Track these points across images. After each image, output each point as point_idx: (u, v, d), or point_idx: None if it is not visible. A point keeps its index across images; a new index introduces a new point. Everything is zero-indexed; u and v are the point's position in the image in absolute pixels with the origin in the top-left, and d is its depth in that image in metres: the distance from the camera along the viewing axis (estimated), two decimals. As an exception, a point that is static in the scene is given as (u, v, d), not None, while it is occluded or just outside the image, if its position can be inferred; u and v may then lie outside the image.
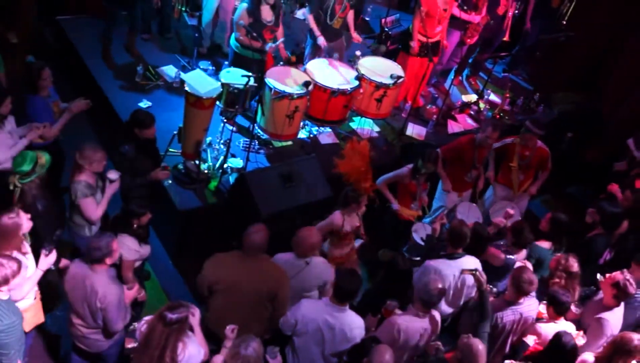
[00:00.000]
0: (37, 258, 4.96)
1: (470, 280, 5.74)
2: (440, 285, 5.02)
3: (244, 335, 4.36)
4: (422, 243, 6.57)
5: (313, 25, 8.03)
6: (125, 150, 5.94)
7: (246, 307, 5.04)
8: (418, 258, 6.48)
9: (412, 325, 5.04)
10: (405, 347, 5.07)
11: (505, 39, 9.22)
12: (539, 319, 5.59)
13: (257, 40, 7.25)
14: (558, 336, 5.05)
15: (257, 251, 5.05)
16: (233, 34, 7.57)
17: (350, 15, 8.28)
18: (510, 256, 5.98)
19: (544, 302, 5.65)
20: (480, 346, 4.63)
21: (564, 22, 8.96)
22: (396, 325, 4.99)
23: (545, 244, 6.30)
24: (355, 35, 8.38)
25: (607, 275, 5.66)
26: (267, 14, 7.38)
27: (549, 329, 5.36)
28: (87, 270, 4.82)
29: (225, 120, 7.10)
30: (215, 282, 5.07)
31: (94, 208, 5.60)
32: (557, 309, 5.42)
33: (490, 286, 5.62)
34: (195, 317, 4.52)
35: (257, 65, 7.40)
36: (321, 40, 8.03)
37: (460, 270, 5.59)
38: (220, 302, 5.11)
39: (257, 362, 4.24)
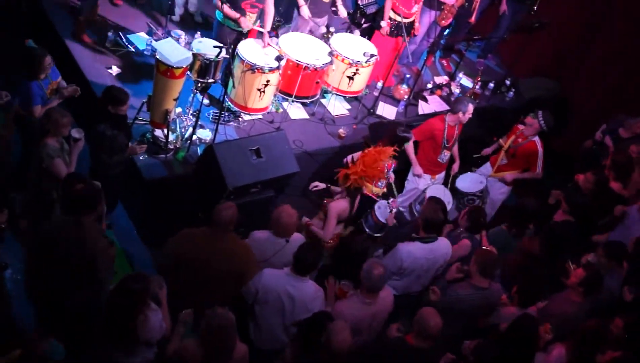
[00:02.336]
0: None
1: (440, 261, 5.81)
2: (381, 270, 5.01)
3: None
4: (384, 221, 6.62)
5: None
6: (102, 130, 5.90)
7: (211, 285, 5.03)
8: (378, 235, 6.54)
9: (359, 313, 5.06)
10: (356, 333, 5.08)
11: (471, 20, 9.20)
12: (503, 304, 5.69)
13: (235, 11, 7.14)
14: (522, 318, 5.10)
15: (226, 228, 5.03)
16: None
17: None
18: (472, 240, 6.04)
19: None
20: (436, 319, 4.66)
21: (535, 9, 8.97)
22: (340, 313, 4.96)
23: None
24: (341, 9, 8.28)
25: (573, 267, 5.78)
26: None
27: (510, 313, 5.42)
28: None
29: (196, 90, 7.03)
30: (180, 257, 5.03)
31: (64, 169, 5.60)
32: (524, 301, 5.49)
33: (462, 264, 5.66)
34: (162, 290, 4.53)
35: (239, 36, 7.32)
36: (304, 11, 7.95)
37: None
38: (183, 279, 5.06)
39: (230, 324, 4.26)
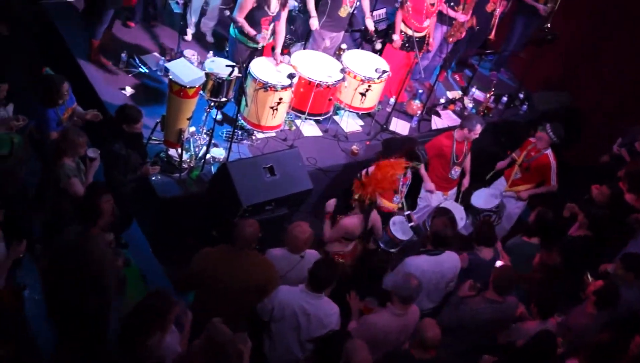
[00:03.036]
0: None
1: (449, 275, 5.78)
2: (416, 281, 5.06)
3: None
4: (401, 237, 6.61)
5: (310, 5, 7.94)
6: (116, 149, 5.94)
7: (233, 302, 5.04)
8: (393, 251, 6.52)
9: (391, 324, 5.08)
10: (382, 346, 5.09)
11: (490, 37, 9.23)
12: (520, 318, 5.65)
13: (253, 28, 7.19)
14: (541, 334, 5.07)
15: (248, 245, 5.05)
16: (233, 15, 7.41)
17: (366, 1, 8.27)
18: (472, 255, 6.02)
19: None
20: (434, 330, 4.68)
21: (549, 25, 8.97)
22: (374, 326, 5.03)
23: (533, 240, 6.36)
24: (368, 22, 8.30)
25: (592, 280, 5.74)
26: (273, 4, 7.26)
27: (530, 328, 5.39)
28: None
29: (209, 110, 7.07)
30: (203, 276, 5.05)
31: (81, 188, 5.64)
32: (543, 312, 5.45)
33: (475, 282, 5.64)
34: (187, 315, 4.56)
35: (253, 54, 7.36)
36: (313, 22, 7.96)
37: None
38: (207, 297, 5.10)
39: (234, 342, 4.25)
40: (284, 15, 7.48)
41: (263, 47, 7.52)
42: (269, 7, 7.21)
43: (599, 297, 5.49)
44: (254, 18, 7.20)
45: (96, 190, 5.17)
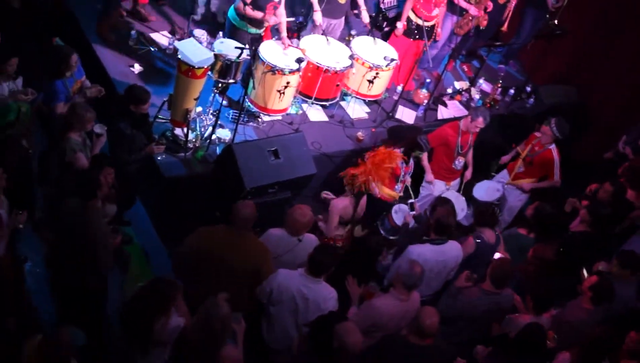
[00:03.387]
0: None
1: (450, 263, 5.83)
2: (420, 268, 5.12)
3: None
4: (400, 225, 6.66)
5: None
6: (122, 128, 5.99)
7: (227, 281, 5.07)
8: (393, 238, 6.57)
9: (394, 309, 5.14)
10: (382, 329, 5.15)
11: (503, 29, 9.20)
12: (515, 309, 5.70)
13: (260, 11, 7.19)
14: (531, 326, 5.12)
15: (244, 226, 5.11)
16: (232, 5, 7.46)
17: None
18: (479, 239, 6.06)
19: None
20: (432, 319, 4.76)
21: (556, 21, 8.95)
22: (378, 310, 5.10)
23: (526, 232, 6.44)
24: (364, 14, 8.29)
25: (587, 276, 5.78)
26: None
27: (523, 321, 5.42)
28: None
29: (216, 91, 7.10)
30: (198, 254, 5.11)
31: (85, 163, 5.72)
32: (538, 307, 5.50)
33: (471, 272, 5.69)
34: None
35: (253, 39, 7.33)
36: (317, 17, 7.99)
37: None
38: (203, 276, 5.15)
39: (228, 319, 4.34)
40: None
41: (263, 34, 7.52)
42: None
43: (594, 293, 5.54)
44: (258, 4, 7.20)
45: (98, 162, 5.23)
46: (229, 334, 4.44)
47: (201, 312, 4.35)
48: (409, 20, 8.37)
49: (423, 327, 4.75)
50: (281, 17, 7.51)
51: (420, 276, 5.11)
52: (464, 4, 8.62)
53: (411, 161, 7.17)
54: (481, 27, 8.89)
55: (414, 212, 6.72)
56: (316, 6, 7.97)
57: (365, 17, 8.33)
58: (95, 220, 5.02)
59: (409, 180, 7.30)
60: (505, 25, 9.14)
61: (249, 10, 7.19)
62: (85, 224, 4.97)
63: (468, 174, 7.80)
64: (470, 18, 8.71)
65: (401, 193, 7.20)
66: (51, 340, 4.14)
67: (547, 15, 9.17)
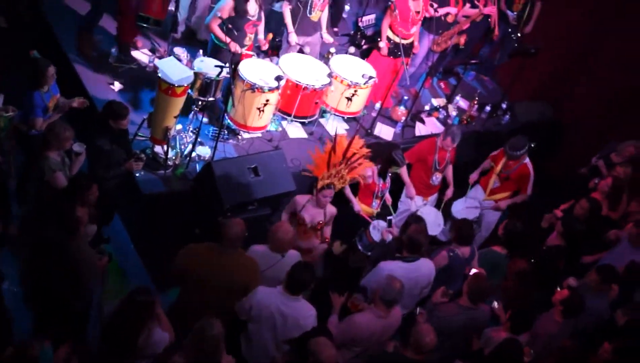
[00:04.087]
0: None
1: (423, 281, 5.90)
2: (399, 284, 5.19)
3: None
4: (378, 241, 6.74)
5: (287, 19, 8.07)
6: (100, 144, 6.01)
7: (217, 299, 5.12)
8: (370, 254, 6.64)
9: (373, 326, 5.21)
10: (362, 344, 5.23)
11: (494, 36, 9.32)
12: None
13: (231, 36, 7.27)
14: (508, 342, 5.21)
15: (233, 244, 5.14)
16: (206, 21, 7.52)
17: (325, 14, 8.31)
18: (452, 253, 6.15)
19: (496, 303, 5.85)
20: (431, 335, 4.83)
21: (519, 35, 9.12)
22: (359, 326, 5.16)
23: (501, 250, 6.51)
24: (325, 36, 8.43)
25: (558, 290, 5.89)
26: (251, 7, 7.37)
27: (500, 338, 5.50)
28: None
29: (196, 109, 7.15)
30: (187, 272, 5.14)
31: (64, 182, 5.71)
32: (516, 327, 5.55)
33: (447, 288, 5.78)
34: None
35: (233, 56, 7.38)
36: (292, 38, 8.10)
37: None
38: (191, 293, 5.19)
39: (220, 341, 4.37)
40: (262, 15, 7.62)
41: (241, 54, 7.59)
42: (247, 12, 7.32)
43: (565, 306, 5.65)
44: (236, 25, 7.29)
45: (79, 184, 5.24)
46: (221, 354, 4.47)
47: (195, 332, 4.36)
48: (387, 38, 8.47)
49: (422, 344, 4.84)
50: (261, 27, 7.68)
51: (399, 291, 5.18)
52: (441, 11, 8.65)
53: (387, 178, 7.24)
54: (460, 46, 9.03)
55: (391, 229, 6.80)
56: (289, 27, 8.10)
57: (328, 39, 8.46)
58: (80, 249, 5.03)
59: (389, 198, 7.36)
60: (496, 31, 9.22)
61: (218, 31, 7.28)
62: (73, 255, 4.97)
63: (449, 192, 7.86)
64: (449, 37, 8.85)
65: (378, 209, 7.26)
66: (21, 355, 4.13)
67: (510, 30, 9.33)
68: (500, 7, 9.30)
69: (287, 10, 8.06)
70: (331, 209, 6.51)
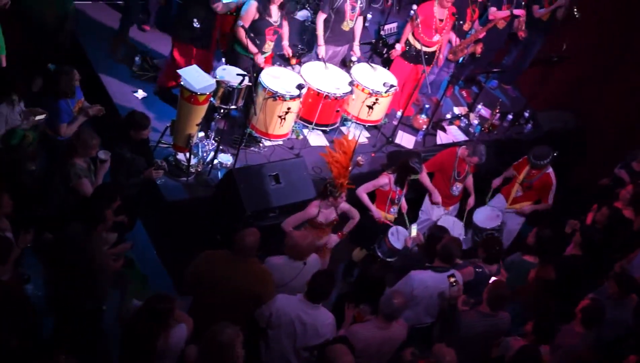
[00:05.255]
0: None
1: (460, 287, 5.89)
2: (402, 299, 5.18)
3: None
4: (399, 247, 6.73)
5: (319, 31, 8.09)
6: (122, 152, 6.09)
7: (229, 306, 5.14)
8: (391, 260, 6.62)
9: (372, 336, 5.19)
10: (363, 354, 5.18)
11: (520, 34, 9.30)
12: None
13: (253, 42, 7.32)
14: (527, 348, 5.18)
15: (248, 253, 5.16)
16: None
17: (359, 24, 8.32)
18: (480, 269, 6.14)
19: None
20: (451, 355, 4.80)
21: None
22: (355, 335, 5.14)
23: (531, 259, 6.47)
24: (356, 49, 8.43)
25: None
26: (274, 12, 7.43)
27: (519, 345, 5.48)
28: None
29: (218, 117, 7.21)
30: (202, 278, 5.17)
31: (90, 188, 5.79)
32: (539, 338, 5.51)
33: (468, 297, 5.77)
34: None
35: (254, 64, 7.47)
36: (321, 51, 8.14)
37: (447, 276, 5.76)
38: (204, 299, 5.22)
39: (230, 346, 4.36)
40: (285, 23, 7.67)
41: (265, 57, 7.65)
42: (270, 16, 7.36)
43: (584, 315, 5.61)
44: (257, 29, 7.34)
45: (104, 195, 5.32)
46: (235, 358, 4.51)
47: (208, 337, 4.39)
48: (409, 44, 8.48)
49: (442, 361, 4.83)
50: (285, 32, 7.73)
51: (398, 308, 5.15)
52: (453, 38, 8.78)
53: (405, 185, 7.23)
54: (477, 55, 9.03)
55: (414, 235, 6.79)
56: (320, 40, 8.12)
57: (357, 52, 8.46)
58: (95, 247, 5.10)
59: (404, 204, 7.34)
60: (522, 31, 9.23)
61: (242, 38, 7.29)
62: (85, 251, 5.04)
63: (471, 201, 7.84)
64: (466, 45, 8.85)
65: (395, 215, 7.25)
66: None
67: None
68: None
69: (320, 21, 8.07)
70: (342, 205, 6.47)
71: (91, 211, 5.11)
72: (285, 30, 7.78)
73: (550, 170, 7.65)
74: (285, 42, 7.87)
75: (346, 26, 8.17)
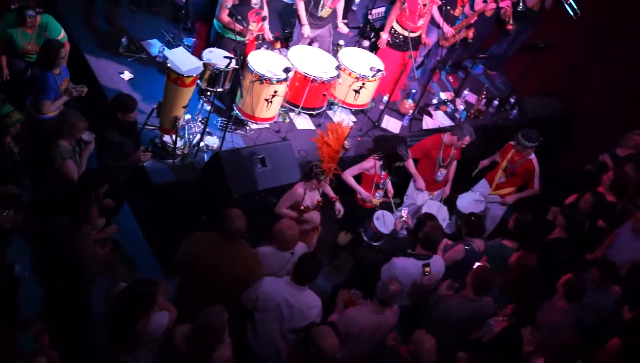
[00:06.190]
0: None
1: (433, 277, 5.95)
2: (397, 286, 5.23)
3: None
4: (385, 231, 6.77)
5: (301, 12, 8.09)
6: (109, 136, 6.07)
7: (217, 288, 5.17)
8: (376, 244, 6.65)
9: (367, 321, 5.25)
10: (357, 339, 5.26)
11: (508, 27, 9.27)
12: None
13: (241, 24, 7.31)
14: (508, 329, 5.25)
15: (235, 236, 5.19)
16: (216, 14, 7.56)
17: (341, 3, 8.33)
18: (469, 246, 6.20)
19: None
20: (430, 342, 4.87)
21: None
22: (351, 319, 5.21)
23: (510, 244, 6.53)
24: (341, 25, 8.46)
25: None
26: None
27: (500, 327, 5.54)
28: None
29: (204, 100, 7.20)
30: (190, 260, 5.20)
31: (75, 170, 5.80)
32: (519, 320, 5.58)
33: (453, 282, 5.82)
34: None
35: (239, 47, 7.45)
36: (305, 30, 8.13)
37: (422, 265, 5.81)
38: (193, 281, 5.26)
39: (221, 327, 4.46)
40: (265, 6, 7.65)
41: (247, 43, 7.63)
42: (250, 1, 7.35)
43: (566, 289, 5.67)
44: (240, 13, 7.30)
45: (90, 184, 5.36)
46: (223, 339, 4.56)
47: (200, 319, 4.46)
48: (395, 32, 8.49)
49: (421, 350, 4.87)
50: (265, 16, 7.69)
51: (393, 294, 5.20)
52: (440, 22, 8.78)
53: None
54: (469, 40, 9.05)
55: (404, 218, 6.83)
56: (303, 20, 8.12)
57: (344, 29, 8.48)
58: (82, 244, 5.08)
59: (390, 188, 7.38)
60: (511, 23, 9.21)
61: (231, 24, 7.26)
62: (71, 244, 5.05)
63: (447, 190, 7.93)
64: (457, 30, 8.87)
65: (381, 200, 7.29)
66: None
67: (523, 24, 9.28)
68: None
69: (300, 4, 8.07)
70: (325, 188, 6.54)
71: (77, 208, 5.07)
72: (265, 13, 7.74)
73: (532, 156, 7.71)
74: (266, 25, 7.84)
75: (324, 13, 8.18)
